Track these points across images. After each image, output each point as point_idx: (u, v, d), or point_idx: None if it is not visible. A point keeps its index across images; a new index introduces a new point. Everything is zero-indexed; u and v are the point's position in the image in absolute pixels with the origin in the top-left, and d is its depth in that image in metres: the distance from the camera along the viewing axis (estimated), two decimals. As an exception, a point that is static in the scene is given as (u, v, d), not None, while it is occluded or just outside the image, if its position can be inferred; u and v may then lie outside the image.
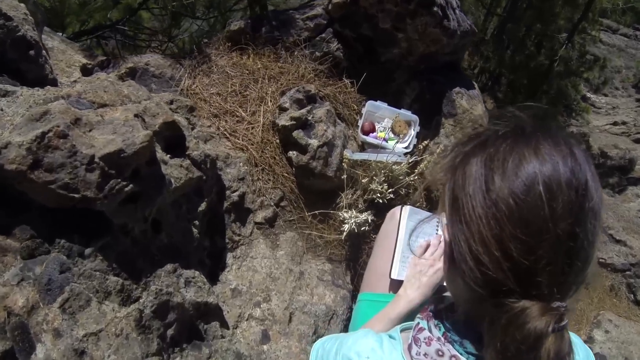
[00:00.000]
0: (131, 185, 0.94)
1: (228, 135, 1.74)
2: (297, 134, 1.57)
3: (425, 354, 0.53)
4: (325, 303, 1.52)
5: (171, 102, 1.61)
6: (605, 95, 7.37)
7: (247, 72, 1.94)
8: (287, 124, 1.60)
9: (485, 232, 0.45)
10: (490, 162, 0.48)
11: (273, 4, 2.50)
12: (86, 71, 1.76)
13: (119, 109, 1.08)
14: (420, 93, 1.95)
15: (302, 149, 1.59)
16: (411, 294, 1.01)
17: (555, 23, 6.24)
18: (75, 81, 1.52)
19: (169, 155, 1.16)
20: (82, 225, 0.91)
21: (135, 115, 1.02)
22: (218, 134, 1.74)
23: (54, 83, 1.25)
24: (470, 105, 1.86)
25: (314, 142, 1.57)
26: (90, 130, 0.97)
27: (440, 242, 1.11)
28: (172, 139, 1.22)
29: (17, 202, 0.91)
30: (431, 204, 1.95)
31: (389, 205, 1.81)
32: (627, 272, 3.14)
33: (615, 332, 2.70)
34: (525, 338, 0.41)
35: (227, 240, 1.46)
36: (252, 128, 1.76)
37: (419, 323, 0.58)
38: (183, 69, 1.90)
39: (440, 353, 0.52)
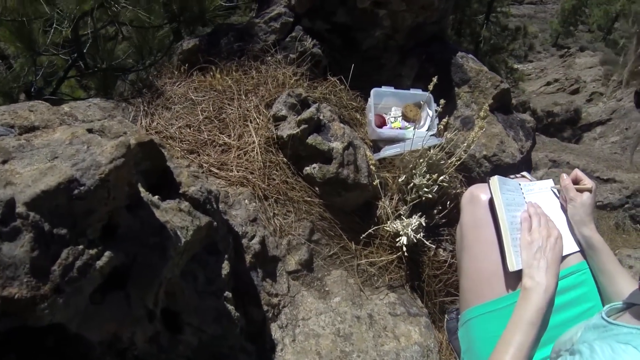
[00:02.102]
0: (108, 253, 0.50)
1: (216, 171, 1.32)
2: (314, 139, 1.20)
3: None
4: (415, 341, 1.10)
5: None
6: (531, 61, 7.85)
7: (216, 92, 1.56)
8: (295, 131, 1.22)
9: None
10: None
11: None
12: None
13: (59, 129, 0.64)
14: (421, 69, 1.68)
15: (325, 158, 1.21)
16: (542, 280, 0.82)
17: (470, 8, 6.60)
18: None
19: (157, 197, 0.72)
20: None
21: (90, 131, 0.60)
22: (203, 172, 1.31)
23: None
24: (478, 65, 1.62)
25: (337, 145, 1.20)
26: (3, 163, 0.52)
27: (537, 209, 0.95)
28: (154, 173, 0.79)
29: None
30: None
31: (437, 201, 1.47)
32: (626, 205, 3.05)
33: (639, 264, 2.54)
34: None
35: (265, 308, 1.01)
36: (246, 153, 1.35)
37: None
38: (135, 107, 1.47)
39: None
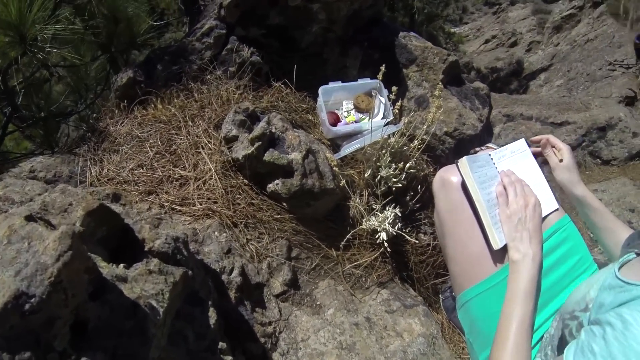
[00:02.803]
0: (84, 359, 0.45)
1: (179, 207, 1.26)
2: (271, 155, 1.16)
3: None
4: (418, 333, 1.11)
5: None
6: (467, 23, 8.07)
7: (161, 124, 1.48)
8: (250, 151, 1.17)
9: None
10: None
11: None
12: None
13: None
14: (366, 56, 1.66)
15: (286, 171, 1.17)
16: (528, 250, 0.84)
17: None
18: None
19: (122, 265, 0.67)
20: None
21: (28, 218, 0.53)
22: (165, 212, 1.24)
23: None
24: (422, 42, 1.62)
25: (296, 156, 1.17)
26: None
27: (511, 177, 0.95)
28: (113, 236, 0.73)
29: None
30: (439, 163, 1.65)
31: (407, 187, 1.47)
32: (584, 144, 3.23)
33: (606, 196, 2.70)
34: None
35: (262, 340, 0.98)
36: (205, 183, 1.30)
37: None
38: (81, 157, 1.37)
39: None
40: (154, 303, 0.62)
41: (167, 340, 0.68)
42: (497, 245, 0.88)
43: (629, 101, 3.90)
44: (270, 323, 1.05)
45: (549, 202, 0.94)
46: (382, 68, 1.22)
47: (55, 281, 0.43)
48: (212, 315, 0.81)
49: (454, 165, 1.00)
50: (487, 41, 8.02)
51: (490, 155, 1.03)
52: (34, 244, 0.47)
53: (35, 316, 0.41)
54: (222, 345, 0.77)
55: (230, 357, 0.76)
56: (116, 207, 1.02)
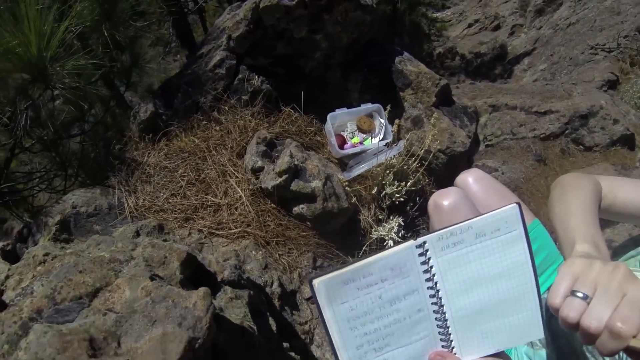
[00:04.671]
0: None
1: (216, 232, 1.46)
2: (297, 185, 1.37)
3: None
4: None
5: (137, 233, 1.28)
6: (449, 7, 8.22)
7: (187, 155, 1.65)
8: (278, 182, 1.37)
9: None
10: None
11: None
12: (9, 255, 1.31)
13: (121, 283, 0.76)
14: (365, 81, 1.86)
15: (309, 197, 1.39)
16: None
17: (380, -30, 6.72)
18: (8, 276, 1.10)
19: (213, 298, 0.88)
20: None
21: (151, 279, 0.73)
22: (205, 236, 1.44)
23: (1, 304, 0.86)
24: (416, 66, 1.83)
25: (317, 184, 1.38)
26: (119, 344, 0.66)
27: None
28: (195, 274, 0.94)
29: None
30: (434, 175, 1.89)
31: (407, 200, 1.71)
32: (567, 132, 3.43)
33: None
34: None
35: (302, 337, 1.21)
36: (237, 208, 1.49)
37: None
38: (116, 189, 1.54)
39: None
40: (247, 324, 0.83)
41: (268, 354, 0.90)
42: None
43: (612, 84, 4.09)
44: (305, 322, 1.28)
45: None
46: (388, 107, 1.44)
47: (209, 326, 0.64)
48: (272, 323, 1.03)
49: (447, 189, 1.18)
50: (470, 25, 8.18)
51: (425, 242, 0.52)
52: (178, 301, 0.67)
53: (202, 349, 0.62)
54: (286, 345, 1.00)
55: (292, 353, 0.99)
56: (161, 237, 1.22)
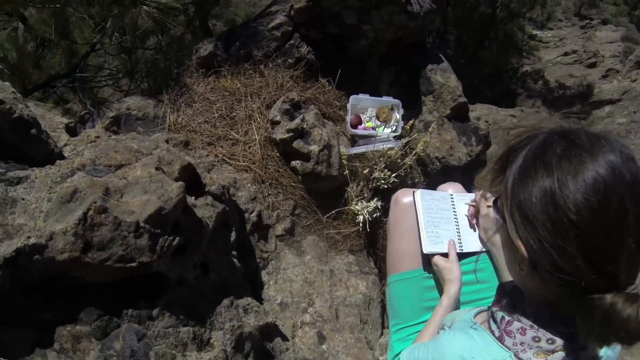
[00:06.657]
0: (177, 238, 1.00)
1: (228, 160, 1.79)
2: (297, 144, 1.64)
3: (521, 343, 0.56)
4: (361, 292, 1.63)
5: (167, 142, 1.64)
6: (551, 29, 7.68)
7: (228, 94, 1.98)
8: (285, 136, 1.66)
9: (568, 246, 0.48)
10: (550, 173, 0.50)
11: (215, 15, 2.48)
12: (70, 130, 1.75)
13: (137, 166, 1.11)
14: (397, 77, 2.04)
15: (305, 157, 1.66)
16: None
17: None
18: (66, 144, 1.52)
19: (193, 197, 1.21)
20: (142, 290, 0.97)
21: (157, 169, 1.07)
22: (218, 161, 1.78)
23: (61, 156, 1.26)
24: (445, 78, 1.98)
25: (314, 148, 1.65)
26: (121, 196, 1.01)
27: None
28: (190, 180, 1.27)
29: (70, 288, 0.94)
30: (428, 177, 2.07)
31: (393, 189, 1.92)
32: None
33: None
34: (622, 325, 0.46)
35: (258, 260, 1.54)
36: (250, 147, 1.81)
37: (503, 316, 0.60)
38: (164, 105, 1.91)
39: (536, 339, 0.55)
40: (207, 221, 1.16)
41: (208, 242, 1.23)
42: (425, 250, 1.14)
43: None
44: (267, 252, 1.60)
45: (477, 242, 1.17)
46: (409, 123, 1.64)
47: (175, 204, 0.97)
48: (233, 236, 1.36)
49: (410, 189, 1.37)
50: (566, 54, 7.62)
51: (452, 195, 1.26)
52: (164, 185, 1.00)
53: (166, 217, 0.95)
54: (234, 252, 1.32)
55: (236, 260, 1.32)
56: (186, 152, 1.56)
